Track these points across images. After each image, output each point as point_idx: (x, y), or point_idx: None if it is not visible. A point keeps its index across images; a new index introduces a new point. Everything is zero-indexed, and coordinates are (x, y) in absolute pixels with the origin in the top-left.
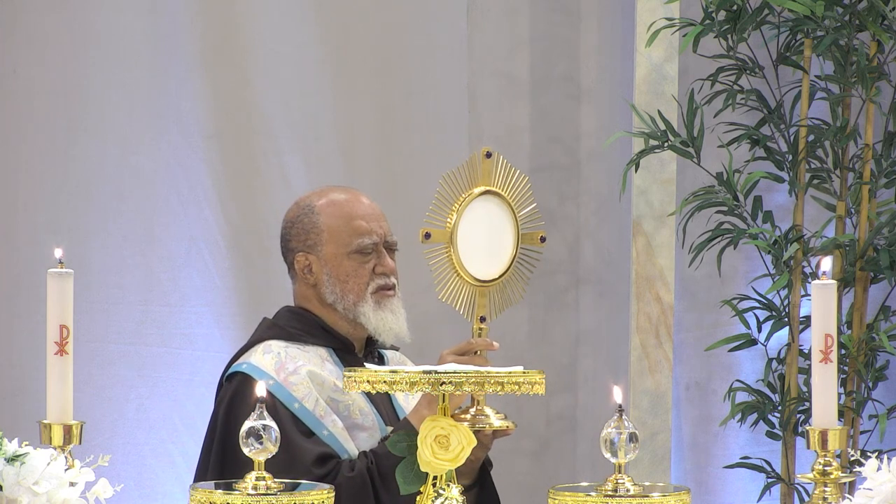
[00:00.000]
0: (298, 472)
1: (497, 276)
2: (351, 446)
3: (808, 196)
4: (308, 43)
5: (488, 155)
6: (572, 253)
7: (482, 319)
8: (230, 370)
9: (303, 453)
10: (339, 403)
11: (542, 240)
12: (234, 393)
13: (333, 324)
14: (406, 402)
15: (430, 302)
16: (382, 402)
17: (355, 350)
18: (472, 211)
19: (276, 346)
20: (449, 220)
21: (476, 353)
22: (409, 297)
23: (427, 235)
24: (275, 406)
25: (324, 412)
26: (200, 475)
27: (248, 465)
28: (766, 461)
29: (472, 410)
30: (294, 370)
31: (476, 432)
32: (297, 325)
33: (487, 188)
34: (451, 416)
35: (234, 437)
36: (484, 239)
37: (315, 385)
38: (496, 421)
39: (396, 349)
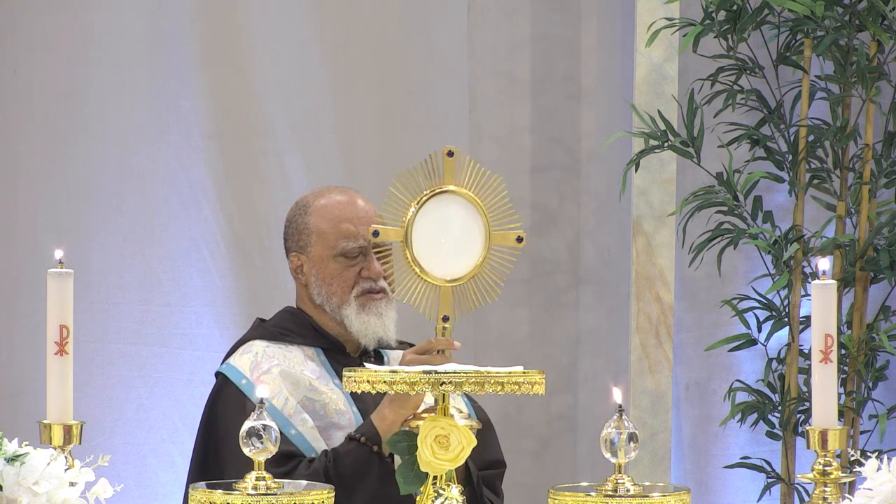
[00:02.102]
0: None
1: (463, 276)
2: (320, 445)
3: (808, 196)
4: (308, 43)
5: (450, 154)
6: (572, 253)
7: (445, 319)
8: (216, 371)
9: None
10: (315, 402)
11: (519, 240)
12: (213, 393)
13: (324, 324)
14: None
15: None
16: (374, 401)
17: (347, 350)
18: (434, 210)
19: (256, 345)
20: (404, 218)
21: (438, 352)
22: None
23: (375, 233)
24: (245, 405)
25: (293, 411)
26: (189, 474)
27: (228, 462)
28: (766, 461)
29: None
30: (267, 369)
31: None
32: (287, 325)
33: (451, 187)
34: (414, 417)
35: (212, 436)
36: (448, 238)
37: (288, 384)
38: (460, 421)
39: (411, 346)
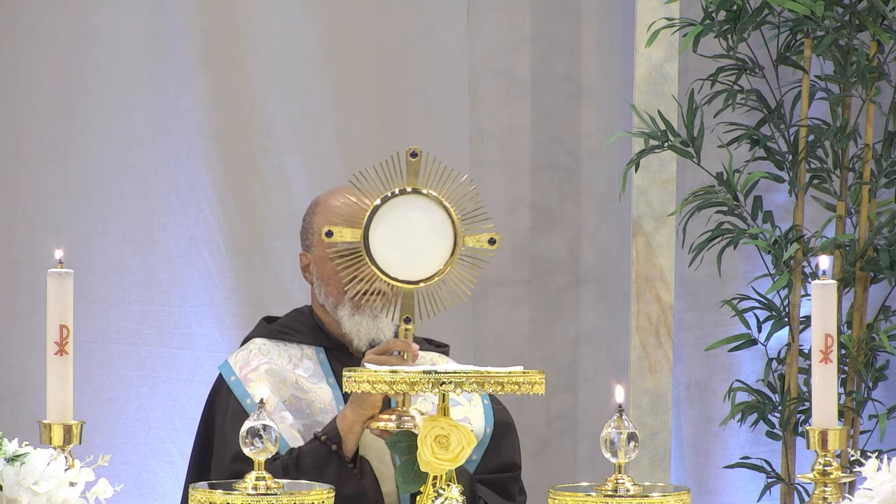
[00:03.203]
0: (220, 466)
1: (427, 277)
2: (298, 443)
3: (808, 196)
4: (308, 42)
5: (413, 155)
6: (572, 253)
7: (407, 321)
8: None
9: (226, 448)
10: (301, 401)
11: (492, 241)
12: (211, 390)
13: (328, 324)
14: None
15: None
16: None
17: (351, 350)
18: (396, 211)
19: (254, 343)
20: (363, 218)
21: (398, 353)
22: None
23: (328, 233)
24: (230, 401)
25: (273, 409)
26: (188, 470)
27: (220, 459)
28: (766, 461)
29: (396, 413)
30: (255, 367)
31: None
32: (291, 323)
33: (414, 188)
34: (372, 418)
35: (208, 432)
36: (410, 240)
37: (274, 382)
38: (422, 422)
39: (445, 346)
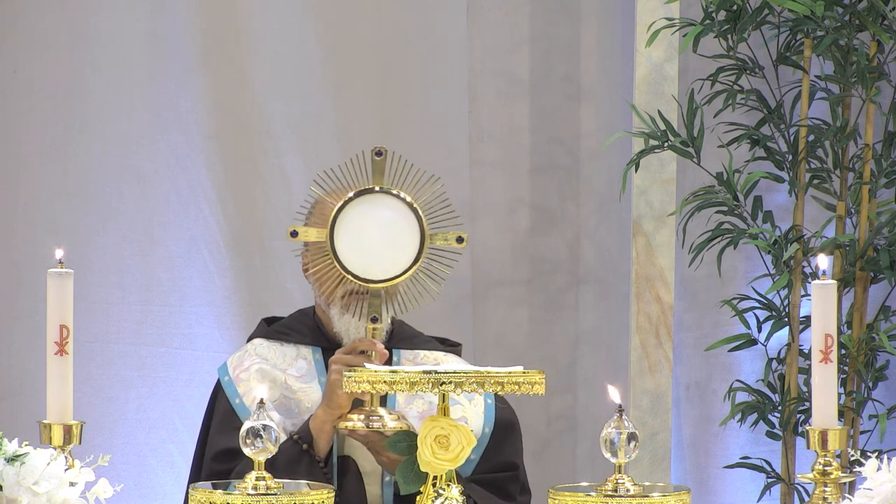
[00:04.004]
0: (204, 464)
1: (393, 276)
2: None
3: (808, 196)
4: (308, 42)
5: (379, 153)
6: (572, 253)
7: (374, 320)
8: None
9: (210, 446)
10: (290, 401)
11: (460, 240)
12: (212, 390)
13: (326, 323)
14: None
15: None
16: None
17: None
18: (361, 210)
19: (252, 344)
20: (328, 218)
21: (365, 352)
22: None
23: (293, 233)
24: (220, 400)
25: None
26: (191, 467)
27: (204, 457)
28: (766, 461)
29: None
30: (247, 367)
31: (371, 434)
32: (291, 324)
33: (380, 187)
34: (340, 417)
35: (206, 431)
36: (376, 239)
37: (265, 382)
38: (391, 422)
39: (457, 345)
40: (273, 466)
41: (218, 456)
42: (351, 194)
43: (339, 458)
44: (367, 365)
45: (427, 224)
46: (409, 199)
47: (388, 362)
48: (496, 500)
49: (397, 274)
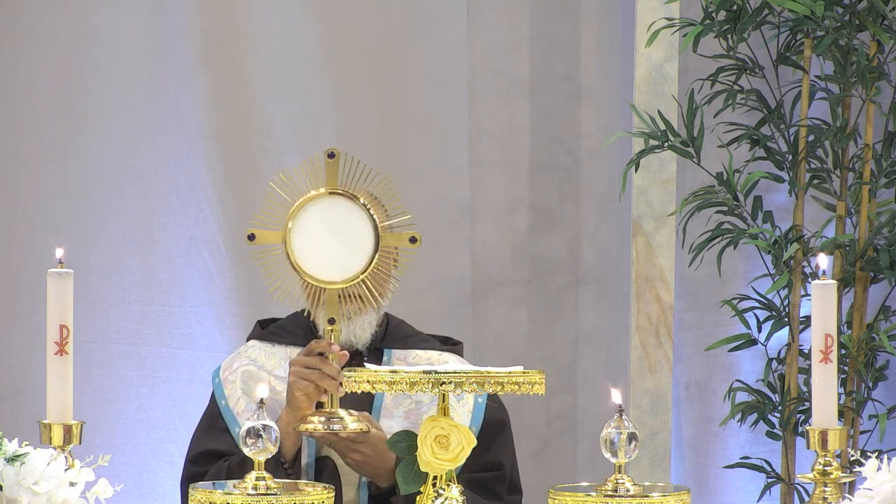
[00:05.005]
0: (185, 463)
1: (351, 278)
2: None
3: (808, 196)
4: (308, 42)
5: (331, 155)
6: (572, 253)
7: (331, 321)
8: None
9: (193, 446)
10: (274, 402)
11: (413, 240)
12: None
13: (320, 326)
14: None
15: (429, 302)
16: (358, 401)
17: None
18: (316, 212)
19: (246, 346)
20: (283, 221)
21: (322, 354)
22: (408, 298)
23: (251, 237)
24: (210, 401)
25: (242, 410)
26: None
27: (194, 462)
28: (766, 461)
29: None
30: (234, 369)
31: (330, 436)
32: (285, 325)
33: (333, 189)
34: (302, 419)
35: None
36: (331, 240)
37: (250, 384)
38: (352, 423)
39: (458, 343)
40: (241, 469)
41: (196, 458)
42: (301, 198)
43: (318, 458)
44: (366, 365)
45: (380, 225)
46: (363, 200)
47: (379, 362)
48: (481, 500)
49: (354, 275)
